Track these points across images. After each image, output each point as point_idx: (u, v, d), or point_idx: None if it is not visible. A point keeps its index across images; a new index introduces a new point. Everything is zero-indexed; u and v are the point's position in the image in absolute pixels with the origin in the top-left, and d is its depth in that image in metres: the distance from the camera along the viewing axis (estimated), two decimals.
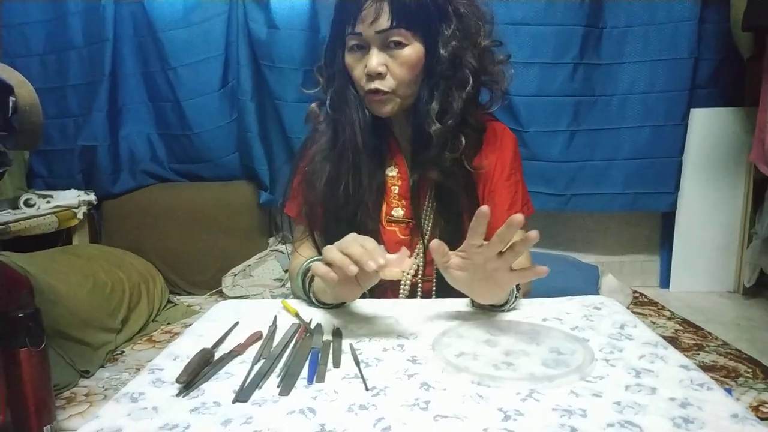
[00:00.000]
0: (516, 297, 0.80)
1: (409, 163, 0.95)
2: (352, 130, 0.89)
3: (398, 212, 0.94)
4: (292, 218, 0.99)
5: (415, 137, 0.90)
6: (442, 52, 0.84)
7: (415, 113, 0.89)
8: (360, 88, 0.88)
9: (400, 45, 0.83)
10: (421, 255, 0.94)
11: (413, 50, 0.84)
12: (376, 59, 0.83)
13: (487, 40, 0.89)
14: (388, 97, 0.86)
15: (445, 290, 0.87)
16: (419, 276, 0.94)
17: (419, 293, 0.95)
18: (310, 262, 0.84)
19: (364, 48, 0.85)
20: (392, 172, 0.95)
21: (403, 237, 0.94)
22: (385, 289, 0.93)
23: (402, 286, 0.94)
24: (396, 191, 0.95)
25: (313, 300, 0.84)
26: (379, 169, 0.93)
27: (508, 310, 0.80)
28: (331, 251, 0.69)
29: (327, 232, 0.94)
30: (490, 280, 0.70)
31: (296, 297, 0.92)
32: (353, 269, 0.66)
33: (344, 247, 0.68)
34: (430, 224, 0.93)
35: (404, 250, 0.70)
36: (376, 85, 0.85)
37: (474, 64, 0.86)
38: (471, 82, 0.86)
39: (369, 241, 0.69)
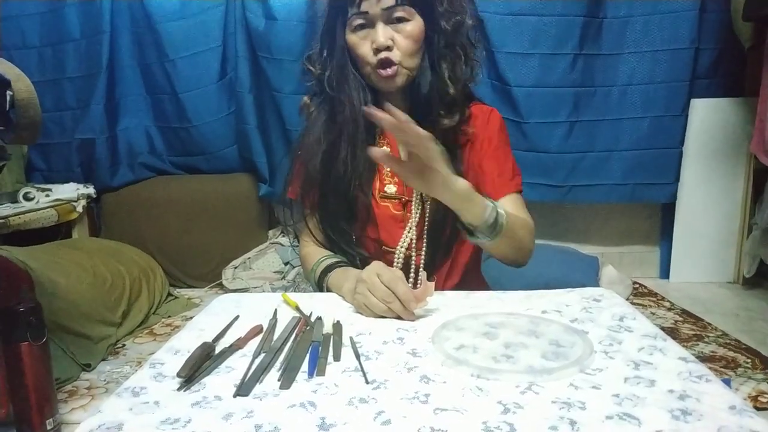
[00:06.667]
0: (500, 222, 0.81)
1: None
2: (352, 108, 0.94)
3: (391, 189, 0.99)
4: (294, 200, 1.04)
5: (414, 107, 0.93)
6: (445, 25, 0.91)
7: (420, 83, 0.93)
8: (366, 65, 0.92)
9: (403, 20, 0.89)
10: (413, 229, 0.97)
11: (416, 24, 0.90)
12: (383, 33, 0.88)
13: (471, 18, 0.96)
14: (396, 70, 0.91)
15: (432, 262, 0.98)
16: (412, 249, 0.98)
17: (412, 266, 0.99)
18: (325, 264, 0.94)
19: (367, 26, 0.90)
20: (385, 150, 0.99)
21: (396, 212, 0.99)
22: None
23: (396, 258, 0.98)
24: (388, 169, 0.99)
25: (326, 290, 0.92)
26: (372, 146, 0.97)
27: (494, 234, 0.82)
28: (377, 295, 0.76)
29: (322, 209, 0.99)
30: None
31: (307, 280, 1.00)
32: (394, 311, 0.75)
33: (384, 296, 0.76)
34: (421, 199, 0.97)
35: (426, 280, 0.76)
36: (385, 54, 0.89)
37: (467, 38, 0.95)
38: (466, 53, 0.94)
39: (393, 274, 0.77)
